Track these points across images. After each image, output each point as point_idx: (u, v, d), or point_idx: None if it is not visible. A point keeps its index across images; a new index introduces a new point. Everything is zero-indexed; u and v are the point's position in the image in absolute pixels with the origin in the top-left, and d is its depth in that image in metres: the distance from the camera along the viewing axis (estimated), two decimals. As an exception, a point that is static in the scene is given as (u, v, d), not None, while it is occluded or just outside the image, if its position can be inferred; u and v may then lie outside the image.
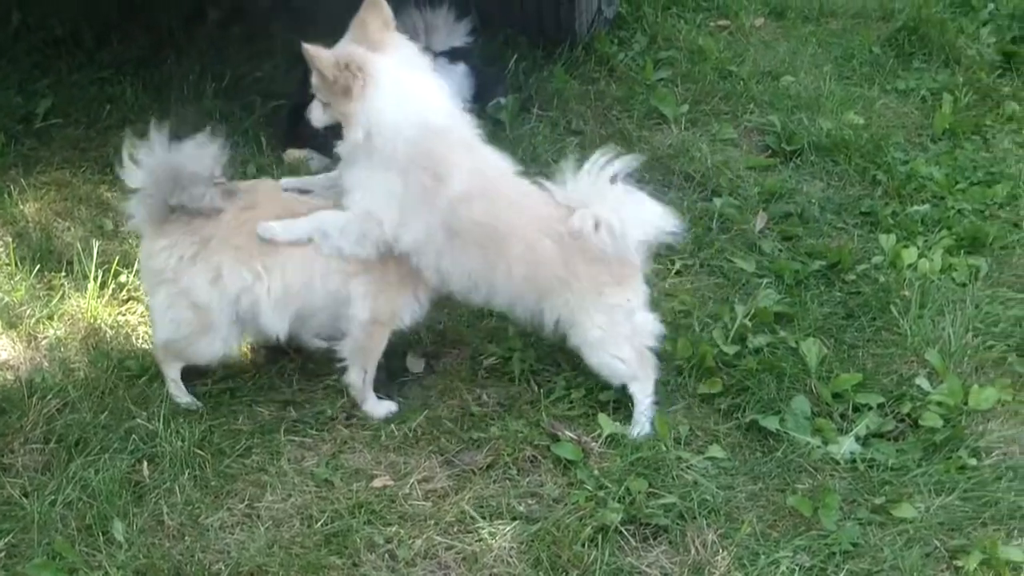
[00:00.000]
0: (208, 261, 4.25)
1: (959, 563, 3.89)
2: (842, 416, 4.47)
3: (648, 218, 4.37)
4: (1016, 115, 6.54)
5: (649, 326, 4.46)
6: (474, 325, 4.80)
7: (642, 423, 4.40)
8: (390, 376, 4.56)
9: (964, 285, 5.18)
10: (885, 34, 7.41)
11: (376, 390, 4.46)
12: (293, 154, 5.65)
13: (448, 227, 4.26)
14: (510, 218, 4.33)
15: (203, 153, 4.31)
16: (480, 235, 4.29)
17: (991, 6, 7.77)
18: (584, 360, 4.47)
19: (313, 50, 4.24)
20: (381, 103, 4.22)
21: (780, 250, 5.35)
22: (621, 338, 4.41)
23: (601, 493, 4.09)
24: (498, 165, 4.41)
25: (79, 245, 4.94)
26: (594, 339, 4.40)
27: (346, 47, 4.31)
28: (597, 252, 4.30)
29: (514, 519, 4.03)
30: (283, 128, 5.80)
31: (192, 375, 4.46)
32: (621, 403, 4.45)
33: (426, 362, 4.67)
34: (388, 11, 4.35)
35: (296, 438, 4.30)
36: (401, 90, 4.26)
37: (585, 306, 4.37)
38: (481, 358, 4.65)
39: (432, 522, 4.01)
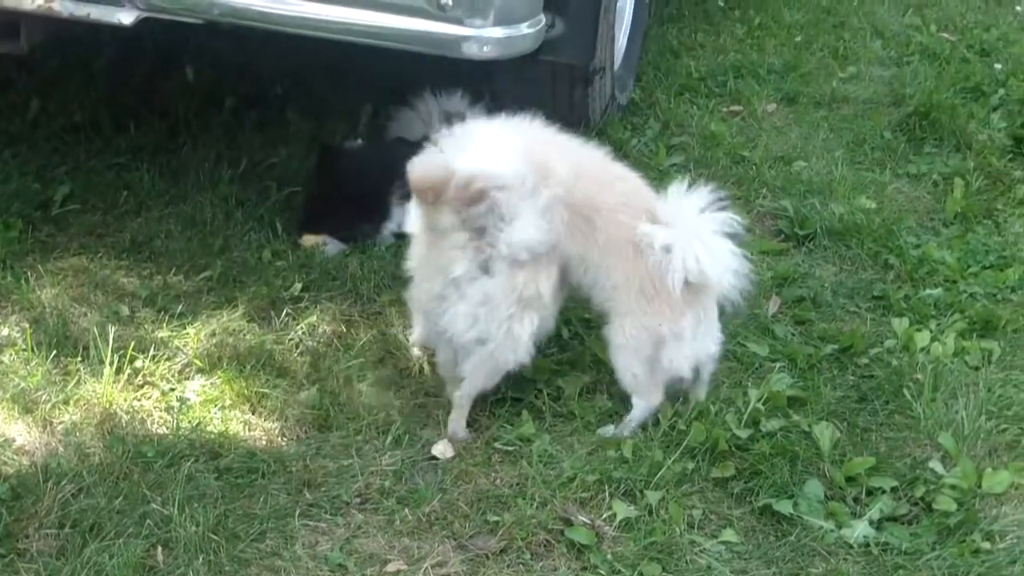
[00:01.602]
0: None
1: (974, 647, 3.90)
2: (855, 500, 4.46)
3: (717, 266, 4.56)
4: (1027, 199, 6.59)
5: (674, 364, 4.66)
6: (488, 408, 4.81)
7: (628, 427, 4.70)
8: (405, 462, 4.57)
9: (977, 368, 5.19)
10: (896, 119, 7.46)
11: (396, 473, 4.51)
12: (309, 240, 5.68)
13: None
14: (602, 197, 4.61)
15: None
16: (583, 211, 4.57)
17: (1001, 91, 7.82)
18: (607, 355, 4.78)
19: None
20: None
21: (793, 334, 5.36)
22: (641, 356, 4.64)
23: (615, 578, 4.10)
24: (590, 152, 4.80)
25: (95, 330, 4.97)
26: (618, 343, 4.68)
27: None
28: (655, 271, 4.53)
29: (528, 605, 4.03)
30: (299, 214, 5.84)
31: (208, 454, 4.49)
32: (633, 485, 4.44)
33: (454, 450, 4.67)
34: None
35: (310, 522, 4.29)
36: None
37: (624, 312, 4.64)
38: (496, 443, 4.66)
39: (446, 608, 4.02)
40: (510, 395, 4.86)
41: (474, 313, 4.53)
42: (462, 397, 4.70)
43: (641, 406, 4.72)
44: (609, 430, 4.69)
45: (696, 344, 4.69)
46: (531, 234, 4.47)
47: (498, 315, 4.53)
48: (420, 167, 4.39)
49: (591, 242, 4.62)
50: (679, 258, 4.50)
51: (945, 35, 8.93)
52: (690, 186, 4.70)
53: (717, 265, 4.57)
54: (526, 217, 4.46)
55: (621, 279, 4.65)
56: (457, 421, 4.73)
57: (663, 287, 4.56)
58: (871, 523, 4.34)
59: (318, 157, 5.91)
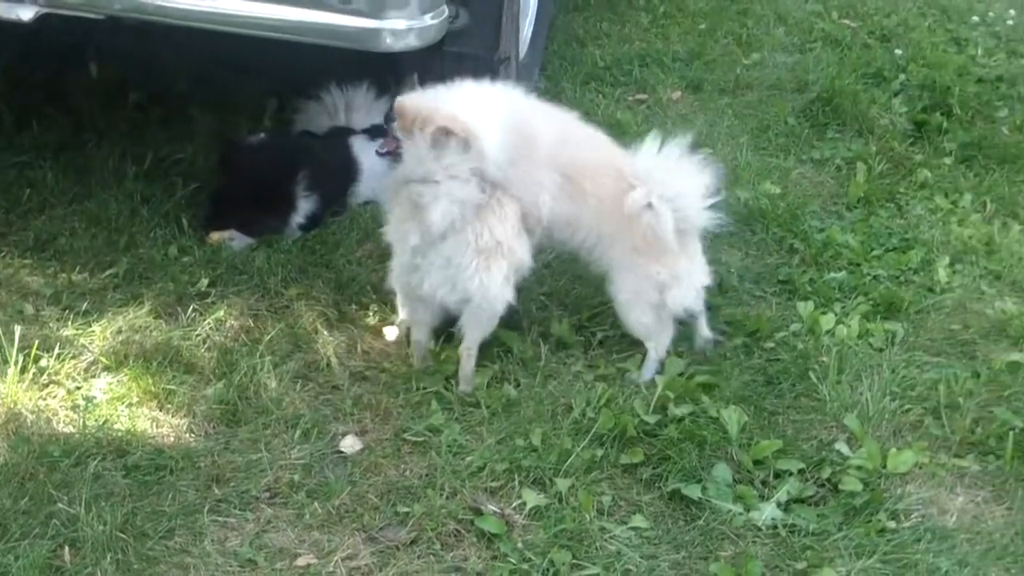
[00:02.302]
0: None
1: (881, 625, 3.93)
2: (763, 483, 4.49)
3: (692, 202, 4.90)
4: (928, 182, 6.63)
5: (678, 302, 4.99)
6: (397, 399, 4.79)
7: (649, 369, 5.02)
8: (314, 455, 4.55)
9: (881, 350, 5.24)
10: (800, 105, 7.50)
11: (305, 467, 4.48)
12: (215, 235, 5.63)
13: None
14: (590, 160, 4.99)
15: None
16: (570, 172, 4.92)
17: (902, 77, 7.89)
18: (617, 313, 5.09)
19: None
20: None
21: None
22: (647, 305, 4.98)
23: (525, 566, 4.08)
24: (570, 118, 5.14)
25: (-1, 330, 4.92)
26: (623, 300, 5.01)
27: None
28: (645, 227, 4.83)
29: (438, 595, 4.02)
30: (204, 210, 5.78)
31: (115, 452, 4.44)
32: (542, 473, 4.45)
33: (363, 442, 4.65)
34: None
35: (219, 518, 4.26)
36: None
37: (623, 267, 4.98)
38: (405, 434, 4.64)
39: (357, 599, 4.01)
40: (419, 385, 4.85)
41: (445, 276, 4.76)
42: (467, 349, 4.89)
43: (656, 348, 5.05)
44: (633, 376, 5.00)
45: (692, 280, 5.04)
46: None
47: (466, 272, 4.73)
48: (412, 97, 4.71)
49: (582, 206, 4.92)
50: (664, 211, 4.79)
51: (847, 22, 8.99)
52: (660, 142, 4.97)
53: (696, 208, 4.91)
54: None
55: (616, 238, 4.93)
56: (466, 372, 4.91)
57: (655, 239, 4.85)
58: (779, 505, 4.37)
59: (222, 152, 5.87)
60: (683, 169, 4.92)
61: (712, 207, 4.96)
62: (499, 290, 4.79)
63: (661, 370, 5.01)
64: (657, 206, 4.80)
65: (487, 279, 4.76)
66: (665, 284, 4.95)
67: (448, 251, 4.71)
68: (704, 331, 5.22)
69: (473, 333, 4.88)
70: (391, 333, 5.15)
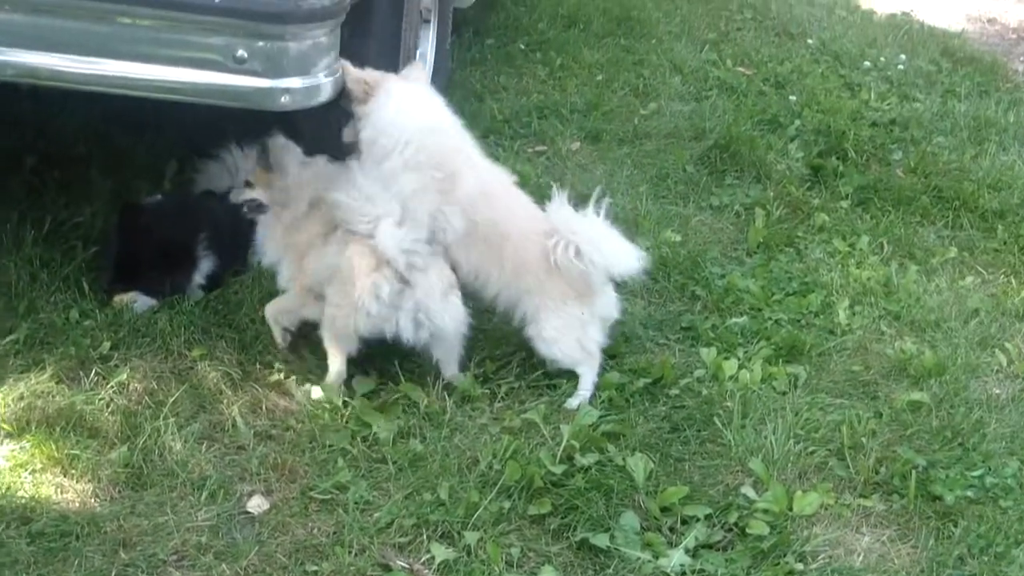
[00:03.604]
0: None
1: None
2: (671, 529, 4.52)
3: (619, 255, 5.21)
4: (826, 226, 6.73)
5: (597, 336, 5.30)
6: (304, 456, 4.78)
7: (583, 396, 5.20)
8: (221, 516, 4.52)
9: (784, 393, 5.30)
10: (698, 153, 7.58)
11: (212, 528, 4.45)
12: (120, 299, 5.59)
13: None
14: (508, 220, 5.25)
15: None
16: (486, 232, 5.19)
17: (797, 122, 8.00)
18: (535, 349, 5.26)
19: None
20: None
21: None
22: (572, 339, 5.22)
23: (436, 620, 4.09)
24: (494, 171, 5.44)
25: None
26: (548, 337, 5.21)
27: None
28: (569, 271, 5.12)
29: (350, 653, 4.02)
30: (106, 273, 5.74)
31: (19, 519, 4.39)
32: (451, 527, 4.45)
33: (270, 502, 4.63)
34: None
35: (127, 584, 4.24)
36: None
37: (548, 309, 5.19)
38: (311, 492, 4.63)
39: (267, 661, 3.98)
40: (325, 443, 4.84)
41: (415, 319, 5.08)
42: (455, 376, 5.26)
43: (587, 374, 5.28)
44: (573, 402, 5.17)
45: (606, 312, 5.35)
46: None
47: (434, 308, 5.08)
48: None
49: (496, 263, 5.21)
50: (596, 257, 5.12)
51: (742, 69, 9.10)
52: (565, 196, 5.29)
53: (622, 254, 5.22)
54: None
55: (536, 287, 5.15)
56: (456, 371, 5.28)
57: (582, 283, 5.17)
58: (687, 551, 4.39)
59: (121, 213, 5.82)
60: (597, 219, 5.22)
61: (634, 252, 5.25)
62: (459, 309, 5.19)
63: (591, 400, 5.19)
64: (586, 252, 5.09)
65: (452, 307, 5.15)
66: (587, 323, 5.22)
67: (417, 295, 5.05)
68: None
69: (452, 355, 5.25)
70: (315, 392, 5.14)
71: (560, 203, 5.26)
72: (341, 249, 5.06)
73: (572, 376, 5.26)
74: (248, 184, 5.38)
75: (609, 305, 5.35)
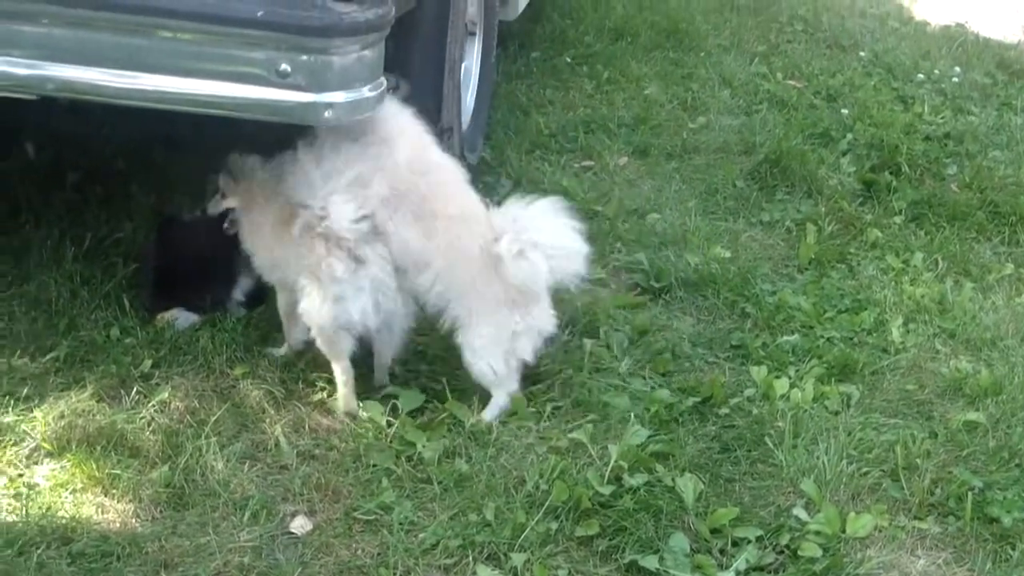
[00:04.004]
0: None
1: None
2: (721, 551, 4.49)
3: (567, 255, 5.05)
4: (879, 242, 6.70)
5: (527, 352, 5.14)
6: (348, 476, 4.78)
7: (492, 413, 5.13)
8: (264, 537, 4.52)
9: (837, 413, 5.26)
10: (747, 168, 7.57)
11: (255, 550, 4.45)
12: (163, 316, 5.61)
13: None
14: (442, 199, 5.09)
15: None
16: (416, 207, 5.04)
17: (849, 136, 7.98)
18: (461, 356, 5.13)
19: None
20: None
21: (653, 387, 5.39)
22: (500, 351, 5.09)
23: (482, 643, 4.08)
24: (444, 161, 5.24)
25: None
26: (477, 345, 5.08)
27: None
28: (509, 273, 4.97)
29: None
30: (148, 290, 5.76)
31: (60, 540, 4.40)
32: (497, 549, 4.44)
33: (313, 522, 4.63)
34: None
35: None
36: None
37: (480, 314, 5.06)
38: (355, 512, 4.62)
39: None
40: (369, 462, 4.84)
41: (375, 301, 5.04)
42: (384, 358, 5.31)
43: (501, 395, 5.16)
44: (485, 416, 5.11)
45: (542, 324, 5.18)
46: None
47: (388, 283, 5.07)
48: None
49: (427, 244, 5.05)
50: (538, 260, 4.95)
51: (792, 82, 9.09)
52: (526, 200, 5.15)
53: (571, 254, 5.05)
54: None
55: (470, 287, 5.04)
56: (386, 375, 5.35)
57: (522, 288, 5.02)
58: (738, 574, 4.37)
59: (159, 229, 5.84)
60: (551, 221, 5.06)
61: (583, 259, 5.12)
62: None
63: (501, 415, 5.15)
64: (530, 255, 4.95)
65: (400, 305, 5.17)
66: (520, 333, 5.11)
67: (373, 278, 5.03)
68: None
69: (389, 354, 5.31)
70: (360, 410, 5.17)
71: (516, 201, 5.15)
72: (304, 239, 5.07)
73: (625, 390, 5.27)
74: (223, 195, 5.36)
75: (545, 317, 5.19)
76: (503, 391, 5.14)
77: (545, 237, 5.00)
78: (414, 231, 5.04)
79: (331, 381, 5.21)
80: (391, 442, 4.95)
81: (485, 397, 5.19)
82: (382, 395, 5.21)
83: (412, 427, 5.02)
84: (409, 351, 5.39)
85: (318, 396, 5.21)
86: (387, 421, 5.02)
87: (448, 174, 5.20)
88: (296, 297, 5.17)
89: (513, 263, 4.96)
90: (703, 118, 8.40)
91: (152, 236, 5.91)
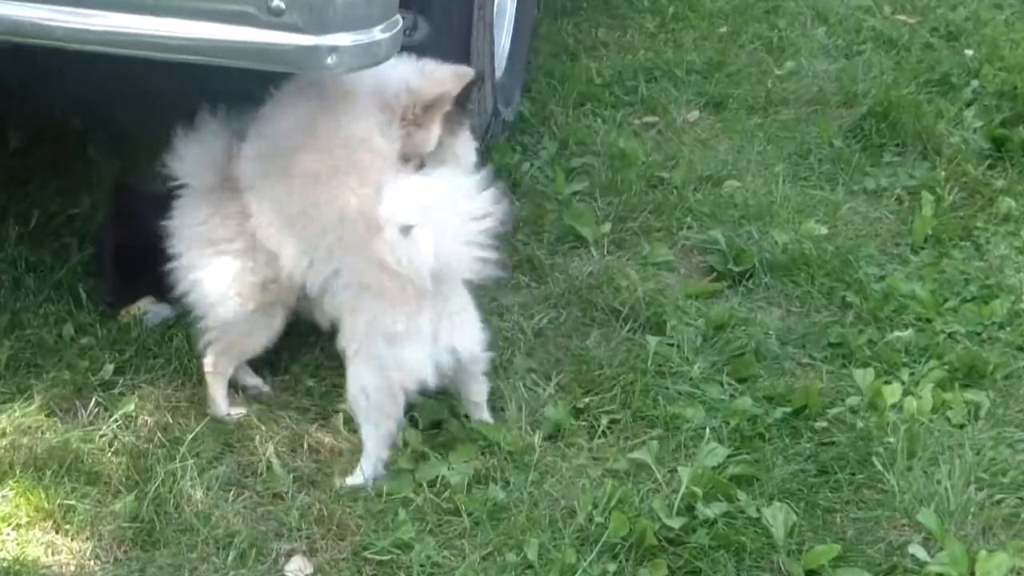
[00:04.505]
0: None
1: None
2: (819, 598, 4.49)
3: (460, 240, 4.70)
4: (1013, 214, 6.64)
5: (415, 367, 4.79)
6: (356, 506, 4.77)
7: (365, 471, 4.90)
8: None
9: (962, 426, 5.23)
10: (848, 123, 7.55)
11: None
12: (129, 310, 5.60)
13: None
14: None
15: None
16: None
17: (974, 83, 7.92)
18: None
19: None
20: None
21: (732, 395, 5.37)
22: (373, 363, 4.81)
23: None
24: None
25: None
26: (350, 351, 4.88)
27: None
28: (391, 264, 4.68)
29: None
30: (108, 276, 5.75)
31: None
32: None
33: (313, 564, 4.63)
34: None
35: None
36: None
37: (351, 311, 4.87)
38: (366, 552, 4.62)
39: None
40: (382, 490, 4.83)
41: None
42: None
43: (373, 437, 4.91)
44: (354, 480, 4.89)
45: (439, 345, 4.84)
46: None
47: None
48: None
49: (309, 219, 4.90)
50: (425, 242, 4.64)
51: (902, 17, 9.05)
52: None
53: (460, 251, 4.72)
54: None
55: (355, 277, 4.85)
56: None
57: (397, 276, 4.70)
58: (840, 626, 4.36)
59: (117, 202, 5.81)
60: (457, 198, 4.81)
61: (490, 252, 4.77)
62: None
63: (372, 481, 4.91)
64: (418, 235, 4.66)
65: None
66: (396, 338, 4.80)
67: None
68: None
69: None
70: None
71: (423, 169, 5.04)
72: None
73: (698, 399, 5.25)
74: None
75: (463, 330, 4.94)
76: (375, 434, 4.94)
77: (443, 218, 4.73)
78: (283, 199, 5.00)
79: (334, 388, 5.21)
80: (411, 464, 4.94)
81: (531, 410, 5.20)
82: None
83: (435, 446, 5.02)
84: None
85: (318, 407, 5.20)
86: (403, 439, 5.01)
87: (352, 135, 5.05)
88: None
89: (390, 242, 4.69)
90: (792, 62, 8.37)
91: (107, 209, 5.89)
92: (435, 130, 5.08)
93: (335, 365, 5.17)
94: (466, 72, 5.18)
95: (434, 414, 5.14)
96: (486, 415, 5.12)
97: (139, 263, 5.62)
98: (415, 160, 5.09)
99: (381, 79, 4.99)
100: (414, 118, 5.03)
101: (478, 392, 5.10)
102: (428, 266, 4.63)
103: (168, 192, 5.52)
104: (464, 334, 4.91)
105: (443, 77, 5.11)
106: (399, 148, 5.02)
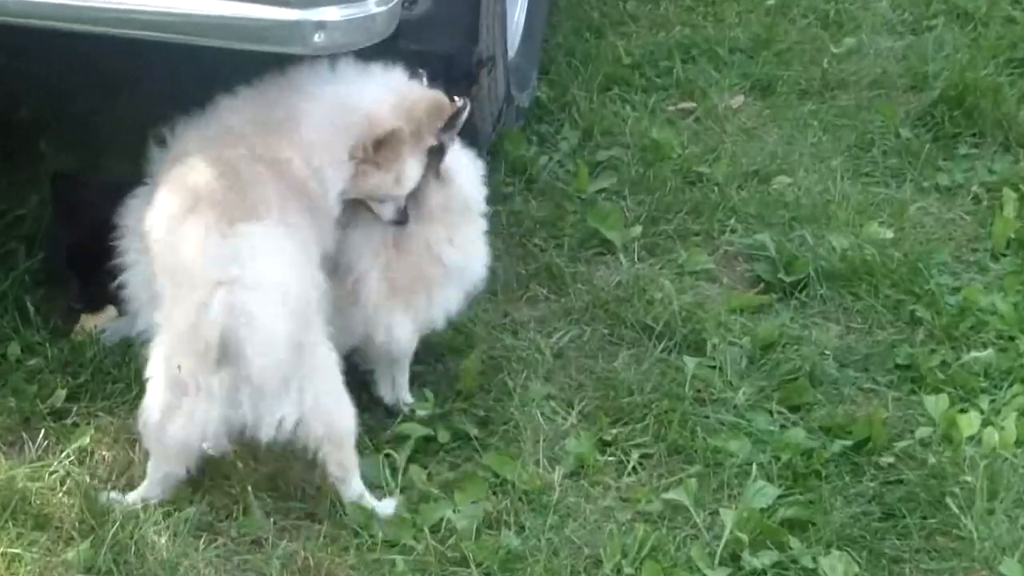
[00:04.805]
0: None
1: None
2: (886, 662, 4.47)
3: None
4: (1110, 216, 6.62)
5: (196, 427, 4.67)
6: (347, 555, 4.74)
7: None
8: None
9: (1051, 463, 5.20)
10: (917, 109, 7.54)
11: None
12: (84, 326, 5.58)
13: None
14: None
15: None
16: None
17: (1063, 61, 7.92)
18: None
19: None
20: None
21: (783, 426, 5.35)
22: (151, 408, 4.74)
23: None
24: None
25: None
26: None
27: None
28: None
29: None
30: (69, 279, 5.73)
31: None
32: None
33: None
34: None
35: None
36: None
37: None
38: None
39: None
40: (377, 535, 4.80)
41: None
42: None
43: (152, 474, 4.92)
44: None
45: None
46: None
47: None
48: None
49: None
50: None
51: (981, -14, 9.03)
52: None
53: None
54: None
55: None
56: None
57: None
58: None
59: (58, 196, 5.79)
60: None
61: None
62: None
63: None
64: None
65: None
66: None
67: None
68: None
69: None
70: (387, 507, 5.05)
71: None
72: None
73: (744, 430, 5.22)
74: None
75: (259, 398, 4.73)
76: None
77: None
78: None
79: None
80: (410, 508, 4.91)
81: (549, 443, 5.17)
82: (391, 436, 5.19)
83: (439, 484, 4.99)
84: (438, 375, 5.37)
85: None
86: (401, 475, 4.99)
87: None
88: None
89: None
90: (851, 39, 8.36)
91: (52, 206, 5.87)
92: (407, 171, 5.04)
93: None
94: (441, 102, 5.13)
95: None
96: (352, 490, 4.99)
97: (98, 261, 5.59)
98: (389, 205, 5.09)
99: (345, 95, 5.02)
100: (364, 155, 4.96)
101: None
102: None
103: (116, 182, 5.50)
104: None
105: (410, 105, 5.07)
106: (336, 189, 4.98)
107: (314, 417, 4.72)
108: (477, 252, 5.35)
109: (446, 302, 5.28)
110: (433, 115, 5.06)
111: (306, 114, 4.94)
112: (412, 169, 5.04)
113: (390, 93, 5.04)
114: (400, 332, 5.20)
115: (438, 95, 5.13)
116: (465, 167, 5.34)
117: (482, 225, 5.36)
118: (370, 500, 4.88)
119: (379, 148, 4.94)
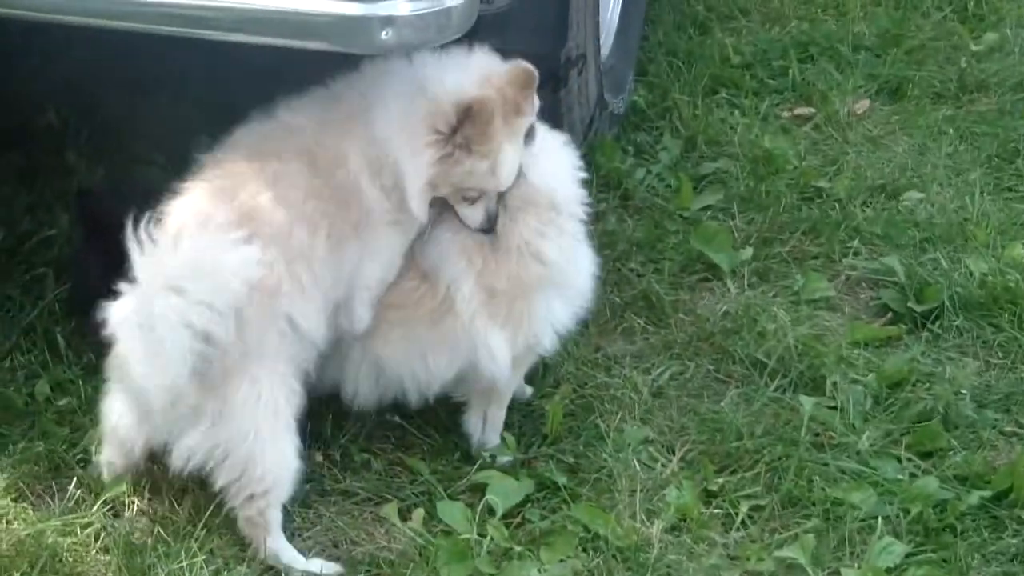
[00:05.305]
0: None
1: None
2: None
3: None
4: None
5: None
6: None
7: None
8: None
9: None
10: (1067, 115, 7.54)
11: None
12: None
13: None
14: None
15: None
16: None
17: None
18: None
19: None
20: None
21: (913, 474, 5.36)
22: None
23: None
24: None
25: None
26: None
27: None
28: None
29: None
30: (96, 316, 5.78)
31: None
32: None
33: None
34: None
35: None
36: None
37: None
38: None
39: None
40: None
41: None
42: None
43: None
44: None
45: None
46: None
47: None
48: None
49: None
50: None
51: None
52: None
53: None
54: None
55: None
56: None
57: None
58: None
59: (80, 210, 5.84)
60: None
61: None
62: None
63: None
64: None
65: None
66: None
67: None
68: None
69: None
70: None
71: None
72: None
73: (868, 480, 5.26)
74: None
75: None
76: None
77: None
78: None
79: (391, 467, 5.24)
80: (491, 566, 4.95)
81: (647, 493, 5.19)
82: (465, 486, 5.23)
83: (522, 540, 5.03)
84: (521, 417, 5.45)
85: (366, 490, 5.22)
86: (477, 532, 5.03)
87: None
88: None
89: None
90: (993, 34, 8.37)
91: (79, 229, 5.92)
92: (503, 158, 5.00)
93: (395, 434, 5.21)
94: (528, 70, 5.07)
95: (514, 499, 5.17)
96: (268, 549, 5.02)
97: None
98: (479, 208, 5.09)
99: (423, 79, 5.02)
100: (448, 131, 4.94)
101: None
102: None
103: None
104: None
105: (497, 79, 5.04)
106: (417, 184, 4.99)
107: (228, 456, 4.81)
108: (580, 253, 5.32)
109: (549, 313, 5.23)
110: (525, 86, 5.01)
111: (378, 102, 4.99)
112: (509, 156, 4.99)
113: (474, 70, 5.03)
114: (499, 351, 5.14)
115: (522, 63, 5.06)
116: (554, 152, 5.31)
117: (580, 222, 5.30)
118: (297, 561, 4.93)
119: (466, 122, 4.90)
